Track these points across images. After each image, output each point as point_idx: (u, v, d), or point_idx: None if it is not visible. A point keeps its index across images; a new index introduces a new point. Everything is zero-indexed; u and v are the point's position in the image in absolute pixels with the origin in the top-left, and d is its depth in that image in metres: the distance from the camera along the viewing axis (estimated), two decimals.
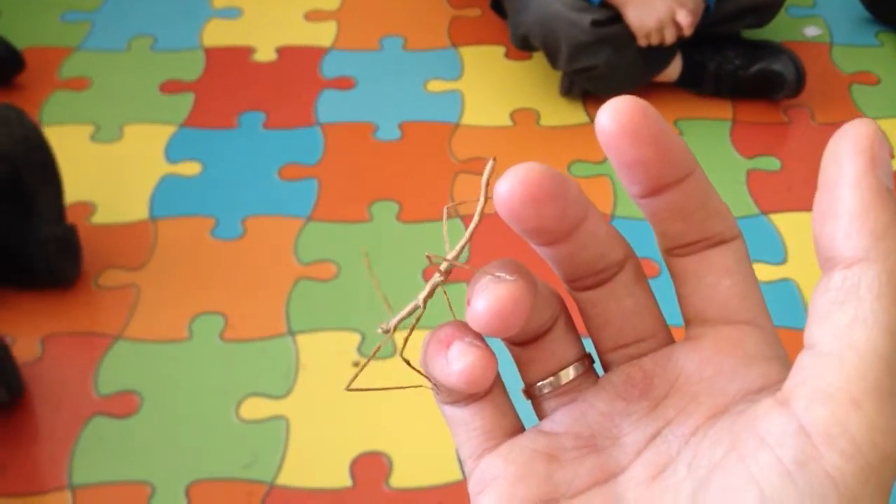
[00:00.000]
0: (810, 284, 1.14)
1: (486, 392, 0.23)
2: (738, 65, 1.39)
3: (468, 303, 0.22)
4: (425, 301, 0.25)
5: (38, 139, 1.14)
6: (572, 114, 1.40)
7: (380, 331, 0.25)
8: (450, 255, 0.25)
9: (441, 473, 0.97)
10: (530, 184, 0.20)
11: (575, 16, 1.30)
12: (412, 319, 0.25)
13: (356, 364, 1.07)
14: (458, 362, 0.22)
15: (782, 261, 1.18)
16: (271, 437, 1.00)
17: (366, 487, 0.96)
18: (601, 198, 1.26)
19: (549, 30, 1.32)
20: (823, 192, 0.19)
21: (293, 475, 0.97)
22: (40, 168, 1.13)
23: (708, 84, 1.41)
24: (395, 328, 0.25)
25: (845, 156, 0.18)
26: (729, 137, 1.37)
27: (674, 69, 1.41)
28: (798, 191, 1.28)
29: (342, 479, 0.96)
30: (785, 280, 1.15)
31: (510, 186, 0.20)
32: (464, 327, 0.23)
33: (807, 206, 1.26)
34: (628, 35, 1.32)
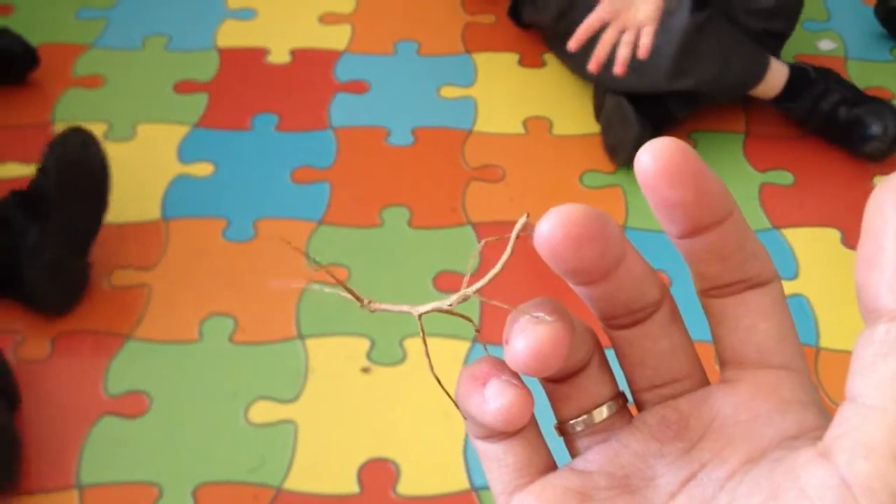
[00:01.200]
0: (821, 300, 1.14)
1: (520, 429, 0.24)
2: (839, 99, 1.33)
3: (506, 342, 0.22)
4: (421, 316, 0.26)
5: (92, 168, 1.15)
6: (585, 123, 1.40)
7: (364, 302, 0.26)
8: (470, 291, 0.25)
9: (449, 482, 0.97)
10: (572, 224, 0.20)
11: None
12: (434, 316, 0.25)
13: (365, 370, 1.07)
14: (495, 401, 0.22)
15: (794, 276, 1.18)
16: (279, 441, 1.00)
17: (373, 494, 0.96)
18: (613, 209, 1.26)
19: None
20: (867, 243, 0.19)
21: (300, 480, 0.97)
22: (80, 193, 1.13)
23: (803, 111, 1.34)
24: (375, 311, 0.26)
25: (889, 207, 0.18)
26: (742, 150, 1.37)
27: (776, 81, 1.33)
28: (811, 206, 1.28)
29: (349, 486, 0.96)
30: (796, 295, 1.14)
31: (551, 227, 0.20)
32: (500, 364, 0.23)
33: (819, 221, 1.26)
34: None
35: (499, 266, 0.24)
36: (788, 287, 1.16)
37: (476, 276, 0.25)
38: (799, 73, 1.35)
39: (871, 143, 1.30)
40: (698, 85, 1.30)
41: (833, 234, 1.24)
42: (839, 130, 1.33)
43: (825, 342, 1.09)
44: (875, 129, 1.29)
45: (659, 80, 1.28)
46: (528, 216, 0.24)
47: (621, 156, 1.31)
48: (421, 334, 0.26)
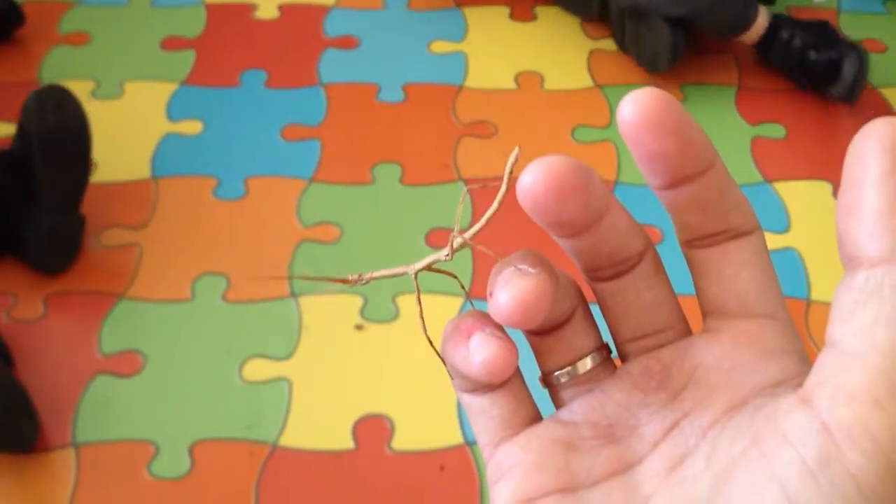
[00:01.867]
0: (812, 253, 1.15)
1: (505, 381, 0.24)
2: (805, 45, 1.35)
3: (490, 294, 0.22)
4: (417, 274, 0.26)
5: (70, 131, 1.12)
6: (577, 77, 1.39)
7: (350, 278, 0.26)
8: (467, 235, 0.25)
9: (442, 436, 0.98)
10: (554, 177, 0.20)
11: None
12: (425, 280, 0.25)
13: (359, 327, 1.07)
14: (479, 353, 0.22)
15: (785, 229, 1.18)
16: (274, 398, 1.01)
17: (368, 449, 0.97)
18: (605, 164, 1.25)
19: None
20: (847, 190, 0.19)
21: (295, 436, 0.98)
22: (62, 158, 1.12)
23: (777, 54, 1.37)
24: (367, 282, 0.25)
25: (870, 155, 0.18)
26: (734, 104, 1.36)
27: (759, 27, 1.36)
28: (802, 159, 1.28)
29: (344, 441, 0.97)
30: (787, 249, 1.15)
31: (534, 179, 0.20)
32: (484, 318, 0.23)
33: (811, 174, 1.26)
34: None
35: (496, 204, 0.24)
36: (779, 240, 1.16)
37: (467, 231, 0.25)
38: (773, 22, 1.37)
39: (838, 85, 1.32)
40: (693, 14, 1.32)
41: (824, 187, 1.24)
42: (809, 74, 1.36)
43: (816, 295, 1.09)
44: (844, 70, 1.31)
45: (658, 3, 1.31)
46: (519, 149, 0.24)
47: (662, 62, 1.34)
48: (416, 294, 0.26)
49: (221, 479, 0.95)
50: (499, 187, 0.24)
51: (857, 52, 1.32)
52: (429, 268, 0.26)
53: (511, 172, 0.24)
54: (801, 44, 1.35)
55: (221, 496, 0.94)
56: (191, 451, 0.97)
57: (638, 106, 0.20)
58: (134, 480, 0.95)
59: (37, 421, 0.96)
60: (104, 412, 1.00)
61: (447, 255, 0.25)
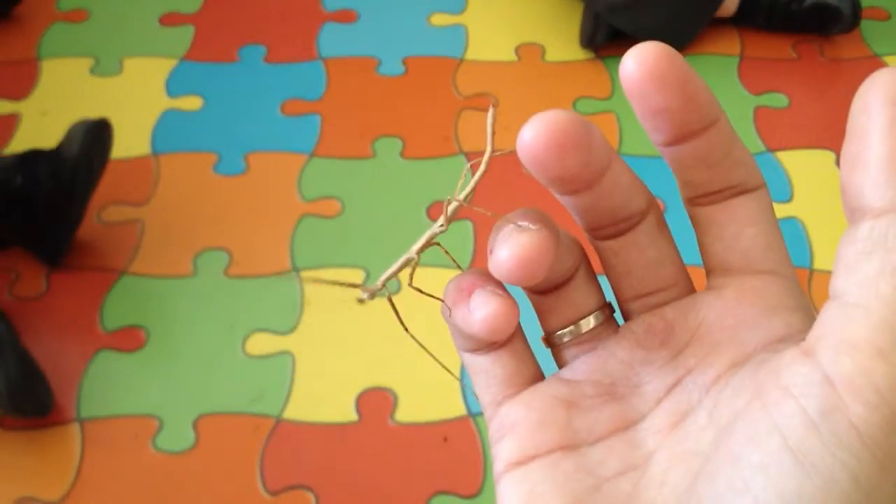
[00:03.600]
0: (816, 223, 1.14)
1: (507, 340, 0.24)
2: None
3: (490, 251, 0.21)
4: (420, 252, 0.25)
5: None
6: (579, 49, 1.38)
7: (364, 297, 0.25)
8: (460, 197, 0.25)
9: (445, 408, 0.98)
10: (555, 132, 0.20)
11: None
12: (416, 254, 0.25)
13: (361, 301, 1.07)
14: (479, 311, 0.22)
15: (788, 199, 1.18)
16: (277, 372, 1.01)
17: (371, 422, 0.97)
18: (607, 135, 1.24)
19: None
20: (852, 141, 0.18)
21: (299, 409, 0.98)
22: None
23: (760, 17, 1.39)
24: (384, 286, 0.25)
25: (875, 105, 0.18)
26: (737, 73, 1.35)
27: (731, 2, 1.38)
28: (805, 128, 1.27)
29: (348, 414, 0.98)
30: (791, 218, 1.14)
31: (534, 134, 0.20)
32: (486, 276, 0.22)
33: (814, 143, 1.25)
34: None
35: (483, 166, 0.24)
36: (783, 209, 1.16)
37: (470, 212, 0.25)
38: None
39: (839, 24, 1.36)
40: (635, 30, 1.32)
41: (827, 157, 1.23)
42: (805, 24, 1.38)
43: (819, 264, 1.09)
44: (841, 7, 1.35)
45: (602, 8, 1.32)
46: (495, 106, 0.23)
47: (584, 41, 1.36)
48: (411, 273, 0.26)
49: (226, 452, 0.95)
50: (504, 153, 0.24)
51: None
52: (429, 244, 0.25)
53: (493, 132, 0.23)
54: (785, 0, 1.36)
55: (226, 469, 0.94)
56: (195, 425, 0.97)
57: (641, 60, 0.20)
58: (139, 455, 0.95)
59: (48, 386, 0.97)
60: (108, 388, 1.01)
61: (442, 225, 0.25)
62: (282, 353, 1.03)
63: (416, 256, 0.25)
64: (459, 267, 0.27)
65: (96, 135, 1.09)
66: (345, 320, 1.06)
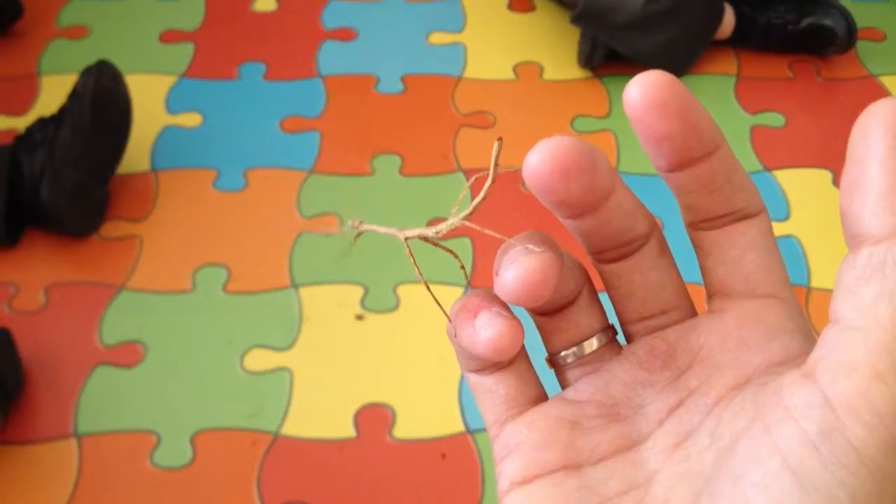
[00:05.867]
0: (812, 241, 1.15)
1: (511, 361, 0.24)
2: (788, 19, 1.38)
3: (496, 273, 0.22)
4: (407, 240, 0.26)
5: (120, 102, 1.21)
6: (576, 68, 1.39)
7: (349, 224, 0.26)
8: (462, 215, 0.25)
9: (443, 425, 0.98)
10: (560, 157, 0.21)
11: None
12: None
13: (359, 317, 1.08)
14: (485, 331, 0.22)
15: (785, 217, 1.18)
16: (275, 388, 1.01)
17: (369, 438, 0.97)
18: (605, 153, 1.25)
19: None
20: (851, 169, 0.19)
21: (297, 426, 0.98)
22: (108, 121, 1.19)
23: (756, 38, 1.40)
24: (363, 231, 0.26)
25: (873, 133, 0.18)
26: (733, 92, 1.36)
27: (727, 25, 1.39)
28: (802, 147, 1.28)
29: (346, 430, 0.98)
30: (787, 237, 1.15)
31: (540, 159, 0.21)
32: (491, 297, 0.23)
33: (810, 162, 1.26)
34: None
35: (482, 194, 0.25)
36: (779, 228, 1.16)
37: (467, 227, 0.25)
38: (740, 14, 1.40)
39: (834, 46, 1.37)
40: (633, 54, 1.34)
41: (824, 175, 1.24)
42: (801, 45, 1.40)
43: (816, 282, 1.10)
44: (836, 30, 1.36)
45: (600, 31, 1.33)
46: (501, 140, 0.24)
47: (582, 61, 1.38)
48: (412, 260, 0.26)
49: (223, 468, 0.95)
50: (509, 170, 0.25)
51: (833, 6, 1.36)
52: (421, 238, 0.26)
53: (496, 163, 0.24)
54: (779, 20, 1.38)
55: (224, 485, 0.94)
56: (192, 440, 0.97)
57: (644, 88, 0.21)
58: (136, 470, 0.95)
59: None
60: (105, 403, 1.01)
61: (437, 231, 0.25)
62: (280, 369, 1.03)
63: (402, 238, 0.26)
64: (466, 277, 0.27)
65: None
66: (343, 337, 1.06)
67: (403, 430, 0.98)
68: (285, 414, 0.99)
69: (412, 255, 0.26)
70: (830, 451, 0.18)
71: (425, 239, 0.26)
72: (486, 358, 0.23)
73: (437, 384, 1.01)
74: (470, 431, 0.97)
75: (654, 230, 0.24)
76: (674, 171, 0.22)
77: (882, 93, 1.36)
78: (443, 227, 0.25)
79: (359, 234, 0.26)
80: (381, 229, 0.26)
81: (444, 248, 0.27)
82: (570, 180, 0.21)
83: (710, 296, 0.24)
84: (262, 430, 0.98)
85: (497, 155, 0.24)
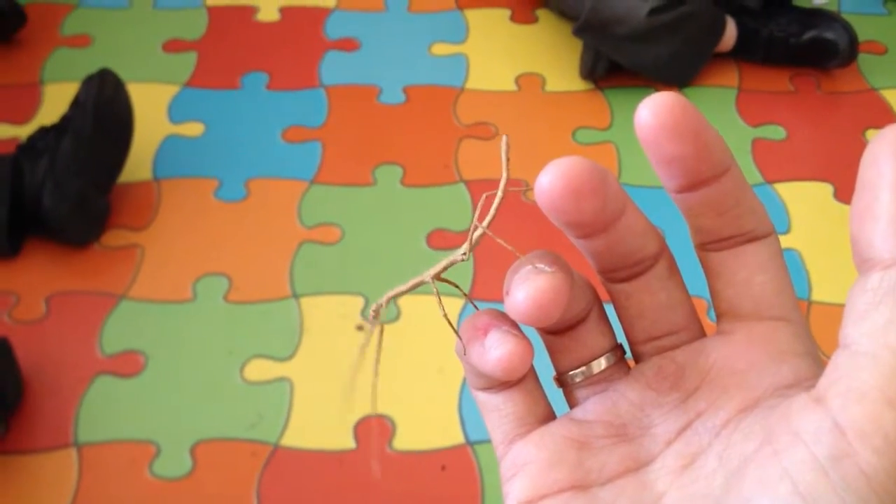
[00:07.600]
0: (813, 254, 1.15)
1: (520, 379, 0.24)
2: (790, 32, 1.38)
3: (507, 292, 0.22)
4: (436, 278, 0.26)
5: (122, 112, 1.22)
6: (578, 80, 1.40)
7: (371, 311, 0.25)
8: (484, 223, 0.25)
9: (444, 436, 0.98)
10: (571, 178, 0.21)
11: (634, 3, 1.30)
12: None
13: (360, 328, 1.07)
14: (495, 350, 0.22)
15: (786, 230, 1.18)
16: (276, 398, 1.01)
17: (369, 449, 0.97)
18: (606, 165, 1.25)
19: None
20: (862, 194, 0.19)
21: (297, 436, 0.98)
22: (110, 131, 1.19)
23: (758, 51, 1.41)
24: (389, 303, 0.25)
25: (884, 160, 0.18)
26: (735, 105, 1.37)
27: (729, 38, 1.40)
28: (803, 160, 1.28)
29: (346, 441, 0.98)
30: (788, 250, 1.15)
31: (551, 180, 0.21)
32: (501, 316, 0.23)
33: (811, 175, 1.26)
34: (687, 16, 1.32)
35: (500, 193, 0.25)
36: (780, 241, 1.16)
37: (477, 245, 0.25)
38: (742, 27, 1.41)
39: (836, 59, 1.38)
40: (634, 67, 1.36)
41: (825, 189, 1.24)
42: (803, 58, 1.40)
43: (817, 296, 1.10)
44: (839, 44, 1.37)
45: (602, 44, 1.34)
46: (507, 137, 0.24)
47: (584, 74, 1.38)
48: (437, 298, 0.26)
49: (223, 478, 0.95)
50: (517, 191, 0.25)
51: (835, 19, 1.37)
52: (446, 270, 0.26)
53: (508, 159, 0.24)
54: (781, 33, 1.38)
55: (223, 496, 0.94)
56: (192, 451, 0.97)
57: (655, 110, 0.21)
58: (135, 480, 0.95)
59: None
60: (105, 412, 1.01)
61: (464, 253, 0.25)
62: (280, 380, 1.03)
63: (430, 280, 0.25)
64: (464, 294, 0.27)
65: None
66: (343, 347, 1.06)
67: (403, 441, 0.98)
68: (285, 425, 0.99)
69: (438, 295, 0.26)
70: (841, 476, 0.18)
71: (451, 265, 0.25)
72: (496, 377, 0.23)
73: (437, 395, 1.01)
74: (470, 443, 0.97)
75: (663, 251, 0.24)
76: (684, 192, 0.22)
77: (883, 106, 1.36)
78: (466, 247, 0.25)
79: (381, 325, 0.26)
80: (406, 287, 0.25)
81: (447, 280, 0.26)
82: (581, 201, 0.21)
83: (720, 317, 0.24)
84: (262, 440, 0.98)
85: (507, 152, 0.24)
